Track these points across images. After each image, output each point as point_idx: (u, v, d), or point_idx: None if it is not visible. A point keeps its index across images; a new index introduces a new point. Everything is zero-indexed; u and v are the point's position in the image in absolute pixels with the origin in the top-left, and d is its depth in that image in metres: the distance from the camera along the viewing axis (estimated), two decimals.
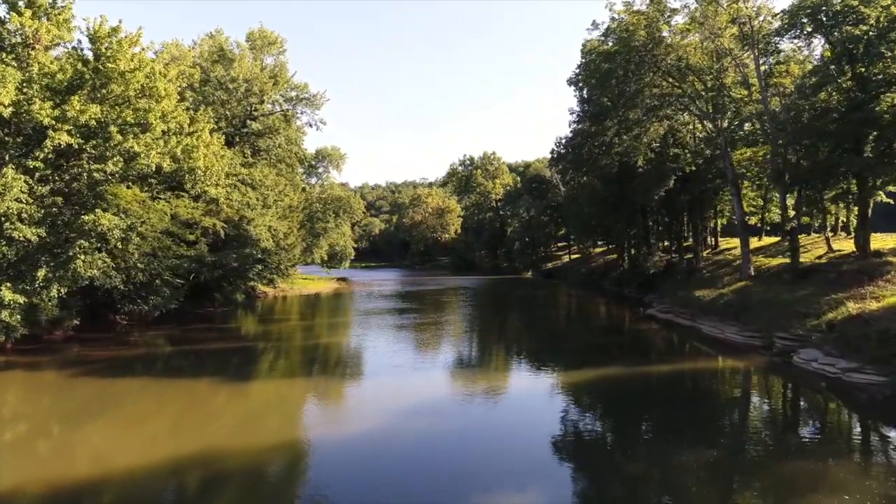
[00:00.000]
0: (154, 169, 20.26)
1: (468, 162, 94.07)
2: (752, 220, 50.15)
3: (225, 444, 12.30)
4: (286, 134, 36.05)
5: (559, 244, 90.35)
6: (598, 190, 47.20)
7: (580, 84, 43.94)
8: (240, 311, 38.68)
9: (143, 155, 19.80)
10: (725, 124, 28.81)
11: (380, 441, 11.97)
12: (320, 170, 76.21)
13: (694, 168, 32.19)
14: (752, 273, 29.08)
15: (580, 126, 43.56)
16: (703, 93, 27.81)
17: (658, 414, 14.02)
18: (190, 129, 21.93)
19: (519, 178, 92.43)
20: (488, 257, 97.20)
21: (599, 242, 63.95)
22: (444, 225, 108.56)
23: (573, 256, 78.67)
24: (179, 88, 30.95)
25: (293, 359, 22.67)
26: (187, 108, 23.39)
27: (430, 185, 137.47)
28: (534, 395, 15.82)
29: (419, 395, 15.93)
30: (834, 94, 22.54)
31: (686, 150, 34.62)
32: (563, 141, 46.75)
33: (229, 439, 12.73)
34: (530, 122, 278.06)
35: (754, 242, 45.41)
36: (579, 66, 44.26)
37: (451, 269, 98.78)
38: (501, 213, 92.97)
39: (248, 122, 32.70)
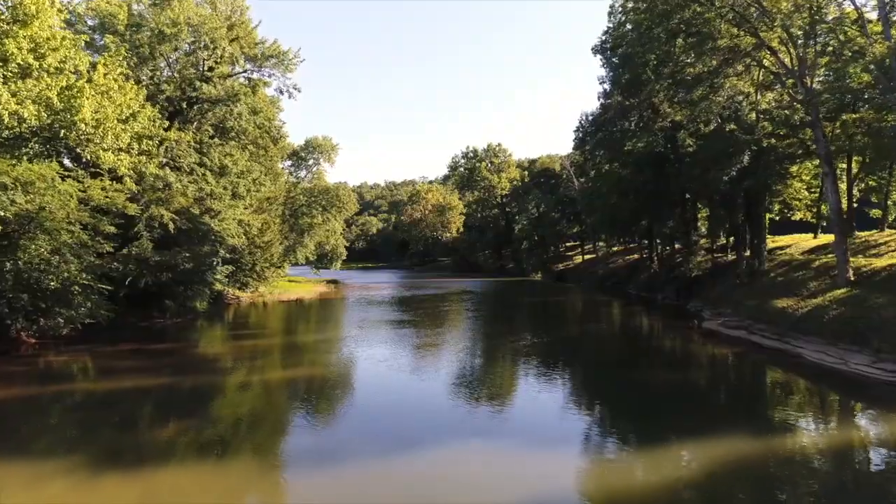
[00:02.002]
0: (15, 122, 13.36)
1: (471, 154, 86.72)
2: (798, 216, 43.41)
3: None
4: (251, 103, 29.11)
5: (567, 244, 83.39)
6: (625, 177, 40.36)
7: (608, 52, 37.15)
8: (200, 322, 31.73)
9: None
10: (817, 83, 21.89)
11: None
12: (310, 162, 69.81)
13: (773, 141, 25.22)
14: (852, 277, 22.18)
15: (609, 101, 36.67)
16: (794, 38, 20.84)
17: None
18: (92, 74, 15.09)
19: (526, 173, 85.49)
20: (492, 258, 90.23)
21: (618, 241, 56.75)
22: (445, 223, 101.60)
23: (587, 256, 71.82)
24: (93, 32, 24.25)
25: (241, 413, 15.63)
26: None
27: (430, 183, 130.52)
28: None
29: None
30: None
31: (741, 122, 27.57)
32: (591, 118, 39.75)
33: None
34: (531, 123, 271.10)
35: (810, 240, 38.63)
36: (607, 32, 37.51)
37: (453, 270, 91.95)
38: (507, 209, 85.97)
39: (200, 84, 25.85)
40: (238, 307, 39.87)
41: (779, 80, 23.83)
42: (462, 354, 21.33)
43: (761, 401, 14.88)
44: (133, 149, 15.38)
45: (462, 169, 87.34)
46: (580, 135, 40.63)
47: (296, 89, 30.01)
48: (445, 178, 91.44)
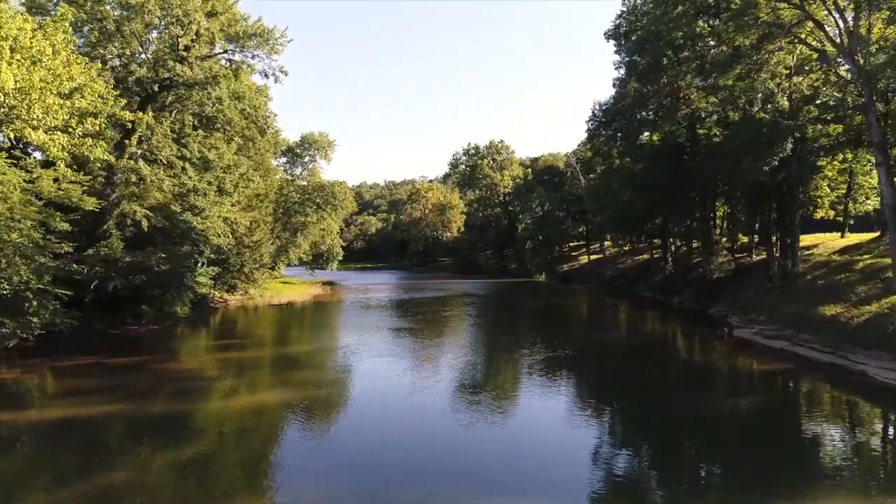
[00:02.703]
0: None
1: (473, 151, 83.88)
2: (819, 214, 40.80)
3: None
4: (233, 88, 26.35)
5: (570, 244, 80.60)
6: (639, 172, 37.73)
7: (622, 39, 34.52)
8: (180, 329, 29.07)
9: None
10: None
11: None
12: (306, 159, 67.21)
13: (819, 127, 22.54)
14: None
15: (624, 89, 33.97)
16: (843, 9, 18.20)
17: None
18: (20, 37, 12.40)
19: (529, 171, 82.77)
20: (494, 258, 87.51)
21: (630, 241, 53.95)
22: (446, 222, 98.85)
23: (593, 257, 69.20)
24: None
25: (214, 448, 13.03)
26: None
27: (431, 182, 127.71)
28: None
29: None
30: None
31: (777, 108, 24.93)
32: (604, 107, 37.00)
33: None
34: (531, 123, 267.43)
35: (837, 240, 36.03)
36: (620, 15, 34.91)
37: (453, 270, 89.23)
38: (510, 208, 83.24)
39: (173, 64, 23.12)
40: (226, 311, 37.22)
41: (823, 59, 21.15)
42: (465, 372, 18.68)
43: (841, 437, 12.11)
44: (72, 128, 12.73)
45: (463, 166, 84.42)
46: (593, 125, 37.88)
47: (282, 72, 27.30)
48: (446, 177, 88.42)
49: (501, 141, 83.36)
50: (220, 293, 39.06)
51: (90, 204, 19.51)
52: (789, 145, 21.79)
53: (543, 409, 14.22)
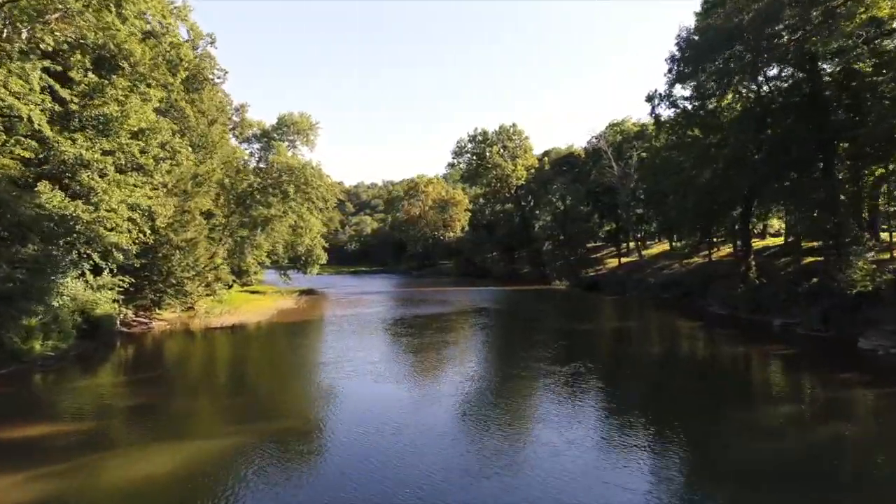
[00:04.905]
0: None
1: (480, 138, 72.45)
2: None
3: None
4: None
5: (590, 244, 69.27)
6: (725, 143, 26.80)
7: None
8: (32, 380, 17.99)
9: None
10: None
11: None
12: (286, 144, 56.64)
13: None
14: None
15: (718, 18, 22.56)
16: None
17: None
18: None
19: (546, 160, 71.74)
20: (503, 260, 76.20)
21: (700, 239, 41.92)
22: (448, 221, 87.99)
23: (625, 259, 58.19)
24: None
25: None
26: None
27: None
28: None
29: None
30: None
31: None
32: (685, 41, 24.95)
33: None
34: (530, 126, 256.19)
35: None
36: None
37: (456, 275, 78.19)
38: (523, 203, 72.12)
39: None
40: (143, 339, 26.01)
41: None
42: None
43: None
44: None
45: (469, 155, 72.77)
46: (679, 66, 26.02)
47: None
48: (450, 167, 76.93)
49: (514, 125, 71.90)
50: (139, 312, 27.91)
51: None
52: None
53: None
